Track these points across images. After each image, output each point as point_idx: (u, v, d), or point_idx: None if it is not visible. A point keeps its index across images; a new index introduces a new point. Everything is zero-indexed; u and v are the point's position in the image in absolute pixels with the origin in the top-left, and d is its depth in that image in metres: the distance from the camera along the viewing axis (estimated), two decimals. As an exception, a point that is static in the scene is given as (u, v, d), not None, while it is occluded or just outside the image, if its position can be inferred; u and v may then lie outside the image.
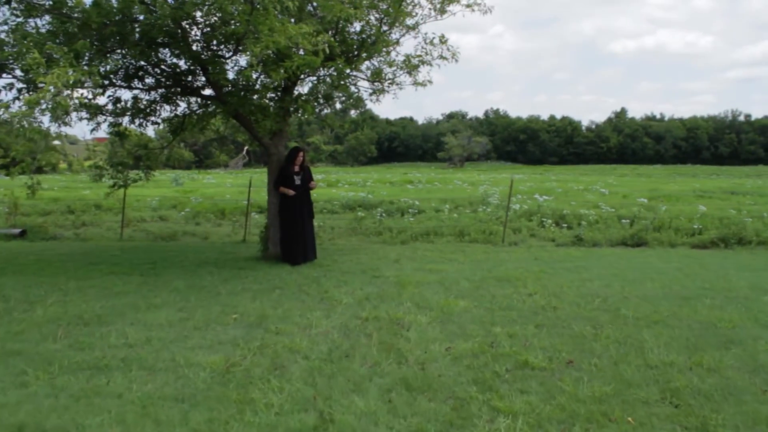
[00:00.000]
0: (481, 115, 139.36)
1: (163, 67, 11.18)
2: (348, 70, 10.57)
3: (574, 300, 8.73)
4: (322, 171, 69.63)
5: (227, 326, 7.36)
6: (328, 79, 11.88)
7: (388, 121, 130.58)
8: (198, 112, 12.51)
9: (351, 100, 12.14)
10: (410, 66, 11.27)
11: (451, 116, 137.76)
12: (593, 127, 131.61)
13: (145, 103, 11.88)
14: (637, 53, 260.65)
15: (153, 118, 12.11)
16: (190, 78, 11.70)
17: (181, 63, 11.26)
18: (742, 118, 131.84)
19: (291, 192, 11.43)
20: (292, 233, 11.55)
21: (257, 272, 10.76)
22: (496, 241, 14.87)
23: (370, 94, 12.07)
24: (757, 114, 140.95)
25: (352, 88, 12.05)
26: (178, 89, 11.75)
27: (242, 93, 10.62)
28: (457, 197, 24.73)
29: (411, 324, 7.41)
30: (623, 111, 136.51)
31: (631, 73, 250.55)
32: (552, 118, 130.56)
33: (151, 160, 13.51)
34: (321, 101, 12.02)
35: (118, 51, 10.23)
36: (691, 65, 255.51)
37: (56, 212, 21.72)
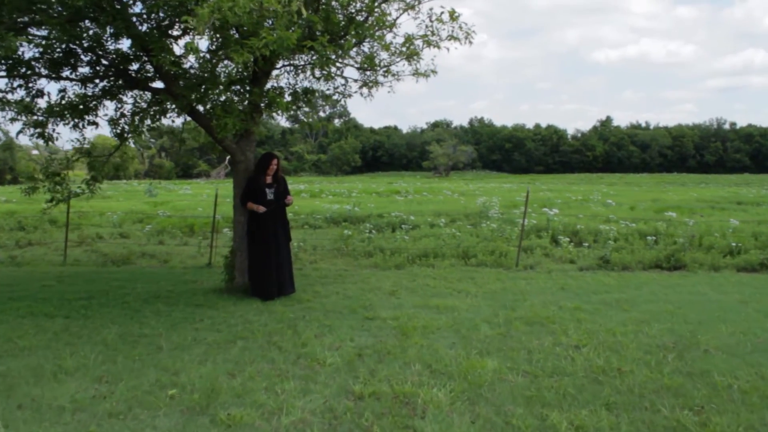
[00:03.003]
0: (465, 123, 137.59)
1: (98, 51, 8.87)
2: (332, 55, 8.25)
3: (639, 356, 6.47)
4: (305, 181, 67.25)
5: (157, 411, 5.01)
6: (307, 70, 9.67)
7: (372, 130, 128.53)
8: (150, 110, 10.17)
9: (338, 95, 9.88)
10: (411, 51, 8.98)
11: (435, 125, 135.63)
12: (579, 135, 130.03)
13: (78, 98, 9.54)
14: (620, 62, 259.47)
15: (90, 118, 9.78)
16: (136, 66, 9.43)
17: (123, 47, 8.99)
18: (727, 126, 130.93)
19: (261, 209, 9.13)
20: (263, 261, 9.24)
21: (217, 312, 8.43)
22: (508, 264, 12.60)
23: (361, 87, 9.78)
24: (740, 123, 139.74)
25: (339, 80, 9.79)
26: (121, 81, 9.44)
27: (200, 85, 8.34)
28: (451, 210, 22.52)
29: (426, 405, 5.10)
30: (608, 119, 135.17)
31: (614, 82, 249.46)
32: (537, 126, 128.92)
33: (96, 170, 11.10)
34: (300, 95, 9.75)
35: (32, 27, 7.91)
36: (673, 74, 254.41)
37: (4, 229, 19.24)
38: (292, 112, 9.73)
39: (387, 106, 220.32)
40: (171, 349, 6.71)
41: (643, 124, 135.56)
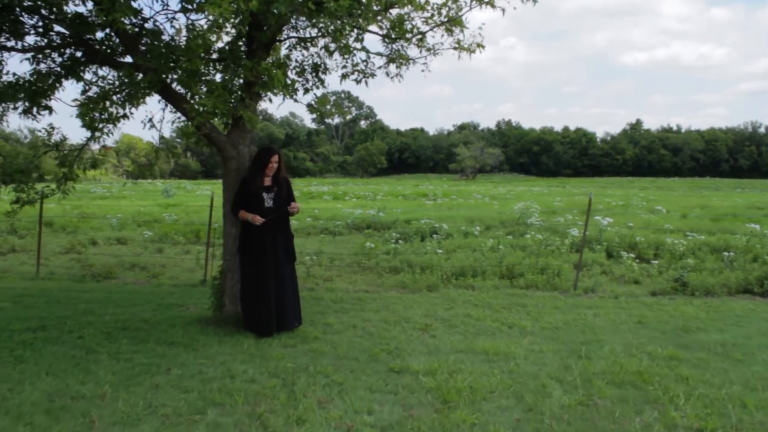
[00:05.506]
0: (492, 126, 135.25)
1: (47, 13, 6.85)
2: (347, 16, 6.11)
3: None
4: (329, 182, 65.42)
5: None
6: (319, 43, 7.60)
7: (398, 132, 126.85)
8: (122, 91, 8.08)
9: (357, 74, 7.74)
10: (451, 17, 6.85)
11: (462, 127, 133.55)
12: (608, 138, 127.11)
13: (38, 75, 7.54)
14: (650, 65, 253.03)
15: (44, 101, 7.75)
16: (101, 35, 7.41)
17: (82, 8, 6.97)
18: (762, 129, 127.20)
19: (258, 219, 7.05)
20: (258, 286, 7.13)
21: (194, 356, 6.34)
22: (564, 286, 10.39)
23: (387, 63, 7.66)
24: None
25: (358, 56, 7.66)
26: (81, 54, 7.43)
27: (171, 54, 6.29)
28: (485, 216, 20.25)
29: None
30: (639, 122, 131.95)
31: (643, 85, 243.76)
32: (566, 129, 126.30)
33: (67, 167, 9.08)
34: (309, 73, 7.67)
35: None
36: (704, 78, 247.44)
37: (-7, 233, 17.39)
38: (300, 94, 7.59)
39: (413, 109, 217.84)
40: (109, 423, 4.64)
41: (674, 128, 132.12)
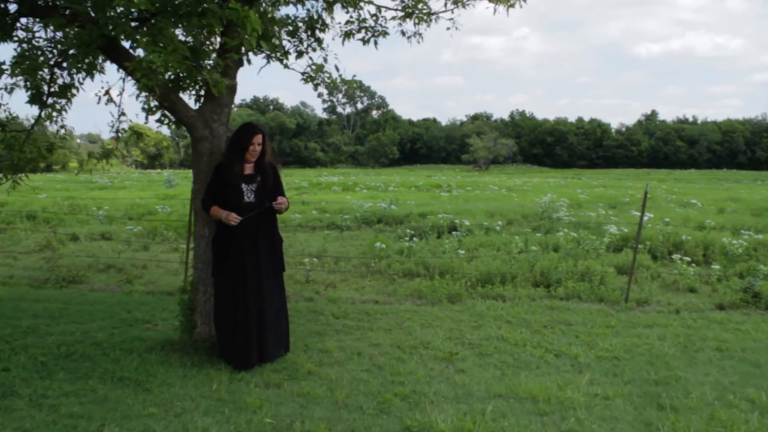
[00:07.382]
0: (505, 117, 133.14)
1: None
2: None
3: None
4: (340, 172, 63.72)
5: None
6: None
7: (410, 122, 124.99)
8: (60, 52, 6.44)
9: (365, 32, 6.09)
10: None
11: (475, 118, 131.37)
12: (623, 130, 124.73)
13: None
14: (664, 56, 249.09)
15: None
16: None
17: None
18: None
19: (233, 218, 5.42)
20: (235, 305, 5.51)
21: (144, 403, 4.71)
22: (612, 296, 8.68)
23: (403, 18, 6.01)
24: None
25: (367, 10, 6.01)
26: (12, 6, 5.83)
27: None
28: (506, 209, 18.51)
29: None
30: (654, 114, 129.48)
31: (657, 76, 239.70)
32: (580, 120, 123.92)
33: (14, 151, 7.46)
34: (303, 31, 6.03)
35: None
36: (718, 68, 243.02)
37: (-34, 226, 15.87)
38: (292, 58, 5.95)
39: (425, 99, 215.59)
40: None
41: (690, 119, 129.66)
